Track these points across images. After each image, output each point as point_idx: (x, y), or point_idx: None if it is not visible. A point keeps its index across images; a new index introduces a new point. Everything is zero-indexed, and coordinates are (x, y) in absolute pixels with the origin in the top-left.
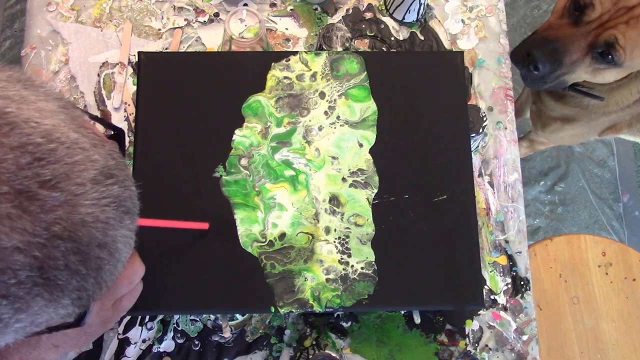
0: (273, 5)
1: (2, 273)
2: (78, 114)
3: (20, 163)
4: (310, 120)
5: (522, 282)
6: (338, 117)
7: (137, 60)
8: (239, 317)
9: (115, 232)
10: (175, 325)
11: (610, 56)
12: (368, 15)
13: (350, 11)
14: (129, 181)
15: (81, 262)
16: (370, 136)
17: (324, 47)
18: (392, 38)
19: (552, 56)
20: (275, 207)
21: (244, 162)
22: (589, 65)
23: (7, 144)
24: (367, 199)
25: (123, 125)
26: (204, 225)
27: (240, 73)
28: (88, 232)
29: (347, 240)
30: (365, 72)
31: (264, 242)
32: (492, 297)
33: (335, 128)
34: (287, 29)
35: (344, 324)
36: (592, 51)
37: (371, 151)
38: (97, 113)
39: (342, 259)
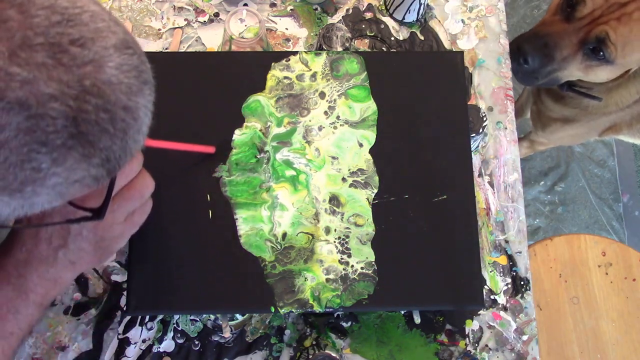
0: (273, 5)
1: (41, 119)
2: None
3: (51, 20)
4: (310, 120)
5: (522, 282)
6: (338, 117)
7: None
8: (239, 317)
9: (138, 99)
10: (175, 325)
11: (601, 52)
12: (368, 15)
13: (350, 11)
14: (144, 57)
15: (109, 121)
16: (370, 136)
17: (324, 47)
18: (392, 38)
19: (542, 51)
20: (277, 206)
21: (261, 156)
22: (580, 62)
23: (38, 3)
24: (367, 199)
25: None
26: (210, 149)
27: (240, 73)
28: (114, 92)
29: (347, 240)
30: (365, 72)
31: (275, 240)
32: (492, 297)
33: (335, 128)
34: (287, 29)
35: (344, 324)
36: (583, 47)
37: (371, 151)
38: None
39: (342, 259)
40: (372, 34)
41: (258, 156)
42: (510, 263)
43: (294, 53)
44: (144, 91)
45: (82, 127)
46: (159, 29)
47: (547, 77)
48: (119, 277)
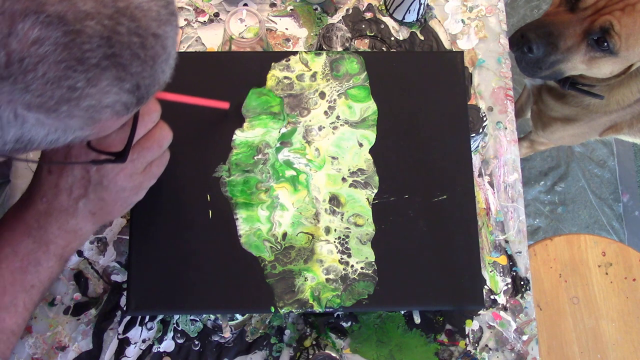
0: (273, 5)
1: (78, 35)
2: None
3: None
4: (310, 120)
5: (522, 282)
6: (338, 117)
7: None
8: (239, 317)
9: (166, 28)
10: (175, 325)
11: (605, 43)
12: (368, 15)
13: (350, 11)
14: None
15: (140, 46)
16: (370, 136)
17: (324, 47)
18: (392, 38)
19: (546, 39)
20: (277, 206)
21: (258, 157)
22: (584, 53)
23: None
24: (367, 199)
25: None
26: (224, 105)
27: (240, 73)
28: (145, 17)
29: (347, 240)
30: (365, 72)
31: (274, 240)
32: (492, 297)
33: (335, 128)
34: (287, 29)
35: (344, 324)
36: (587, 37)
37: (371, 151)
38: None
39: (342, 259)
40: (372, 34)
41: (255, 157)
42: (510, 263)
43: (294, 53)
44: (171, 22)
45: (116, 48)
46: None
47: (551, 69)
48: (119, 277)
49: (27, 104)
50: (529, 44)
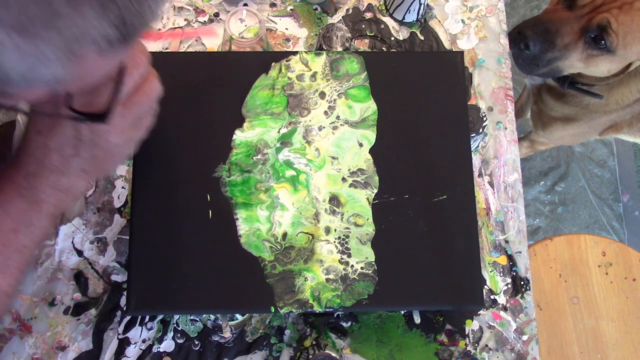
0: (273, 5)
1: None
2: None
3: None
4: (310, 120)
5: (522, 282)
6: (338, 117)
7: None
8: (239, 317)
9: None
10: (175, 325)
11: (602, 41)
12: (368, 15)
13: (350, 11)
14: None
15: None
16: (370, 136)
17: (324, 47)
18: (392, 38)
19: (543, 36)
20: (277, 206)
21: (257, 157)
22: (582, 51)
23: None
24: (367, 199)
25: None
26: None
27: (240, 73)
28: None
29: (347, 240)
30: (365, 72)
31: (274, 240)
32: (492, 297)
33: (335, 128)
34: (287, 29)
35: (344, 324)
36: (584, 35)
37: (371, 151)
38: None
39: (342, 259)
40: (372, 34)
41: (254, 157)
42: (510, 263)
43: (294, 53)
44: None
45: None
46: (159, 29)
47: (548, 66)
48: (119, 277)
49: (2, 21)
50: (525, 40)
